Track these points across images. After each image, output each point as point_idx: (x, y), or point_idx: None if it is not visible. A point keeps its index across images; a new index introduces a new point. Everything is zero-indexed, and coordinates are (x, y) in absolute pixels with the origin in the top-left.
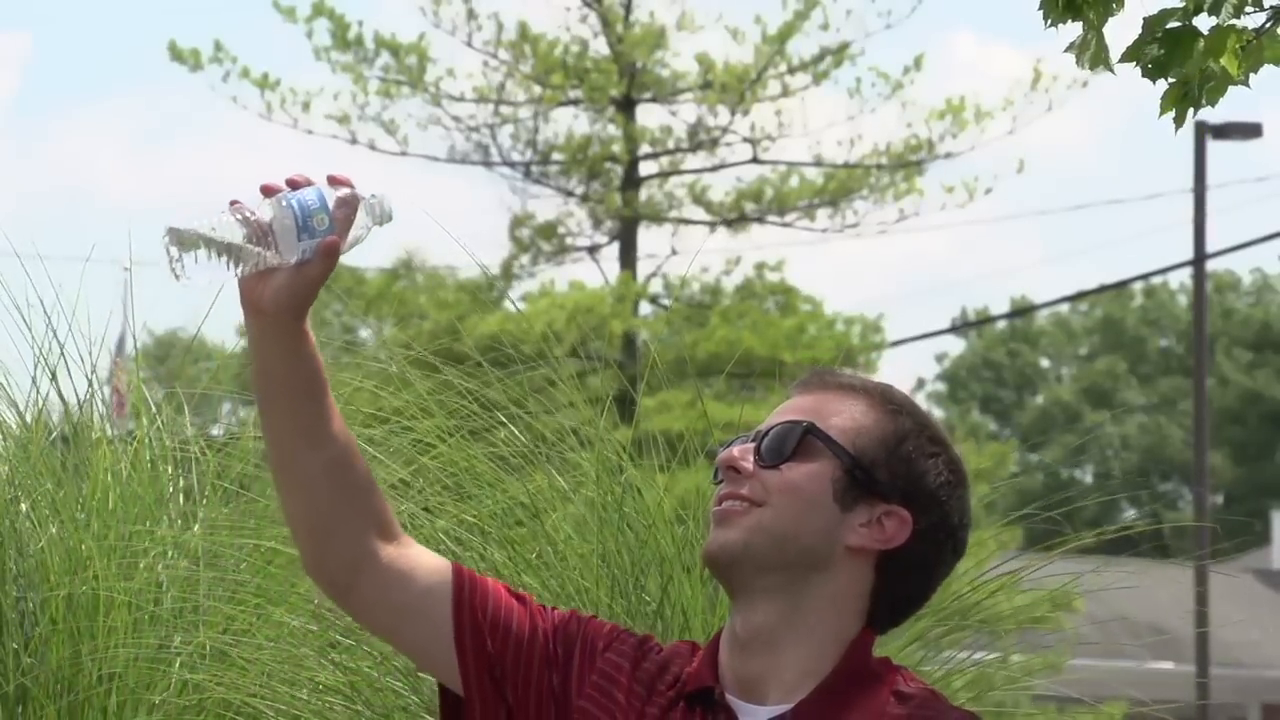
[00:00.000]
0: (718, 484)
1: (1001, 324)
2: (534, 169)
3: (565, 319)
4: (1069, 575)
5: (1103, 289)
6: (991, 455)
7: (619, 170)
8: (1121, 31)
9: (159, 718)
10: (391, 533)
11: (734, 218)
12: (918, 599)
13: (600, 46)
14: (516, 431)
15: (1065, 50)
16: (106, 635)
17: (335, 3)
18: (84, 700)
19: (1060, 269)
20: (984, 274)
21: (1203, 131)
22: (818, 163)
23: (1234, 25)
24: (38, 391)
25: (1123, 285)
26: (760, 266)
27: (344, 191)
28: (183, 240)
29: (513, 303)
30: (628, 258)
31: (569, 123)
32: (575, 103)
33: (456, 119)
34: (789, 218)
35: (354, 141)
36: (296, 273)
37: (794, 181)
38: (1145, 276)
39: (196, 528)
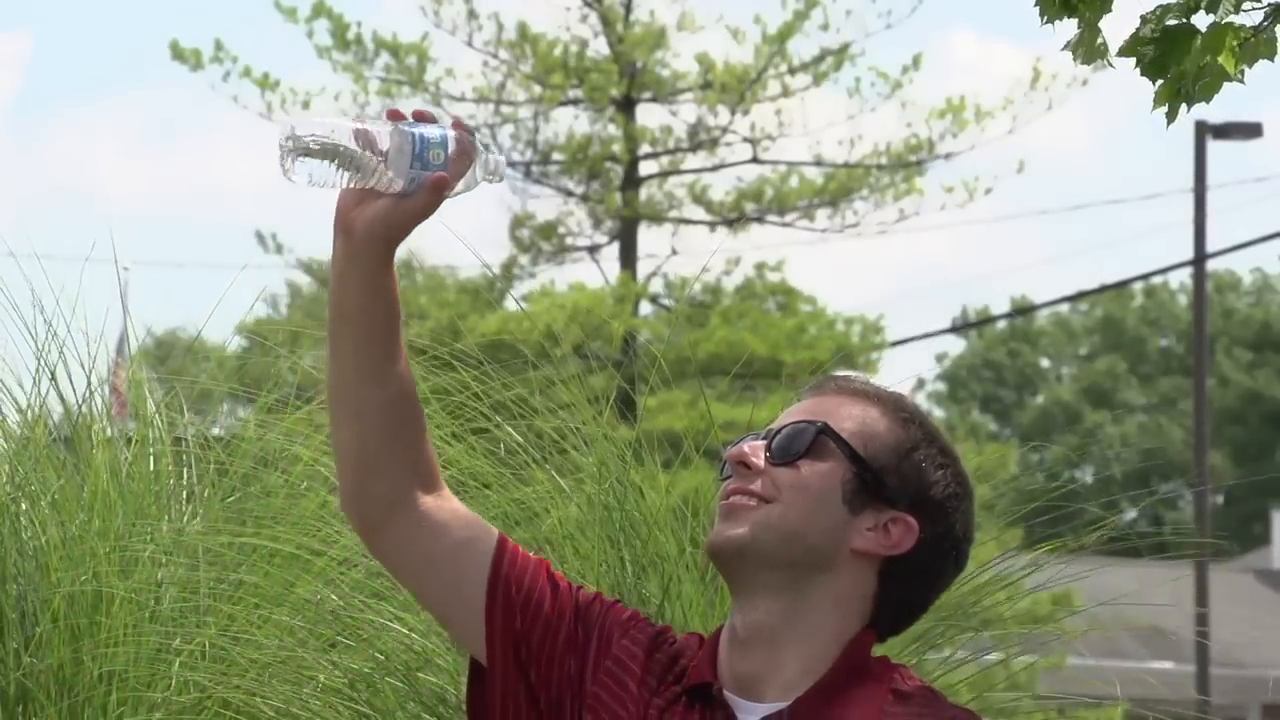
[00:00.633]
0: (725, 480)
1: (1001, 324)
2: (534, 169)
3: (565, 319)
4: (1069, 575)
5: (1103, 289)
6: (992, 455)
7: (619, 170)
8: (1118, 28)
9: (159, 717)
10: (434, 484)
11: (734, 218)
12: (918, 608)
13: (600, 46)
14: (514, 433)
15: (1063, 49)
16: (106, 634)
17: (335, 3)
18: (84, 699)
19: (1060, 269)
20: (984, 274)
21: (1203, 131)
22: (818, 163)
23: (1232, 23)
24: (38, 391)
25: (1123, 285)
26: (760, 267)
27: (466, 138)
28: (298, 140)
29: (516, 301)
30: (628, 258)
31: (569, 123)
32: (575, 103)
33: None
34: (789, 218)
35: None
36: (397, 203)
37: (794, 181)
38: (1145, 276)
39: (196, 527)
